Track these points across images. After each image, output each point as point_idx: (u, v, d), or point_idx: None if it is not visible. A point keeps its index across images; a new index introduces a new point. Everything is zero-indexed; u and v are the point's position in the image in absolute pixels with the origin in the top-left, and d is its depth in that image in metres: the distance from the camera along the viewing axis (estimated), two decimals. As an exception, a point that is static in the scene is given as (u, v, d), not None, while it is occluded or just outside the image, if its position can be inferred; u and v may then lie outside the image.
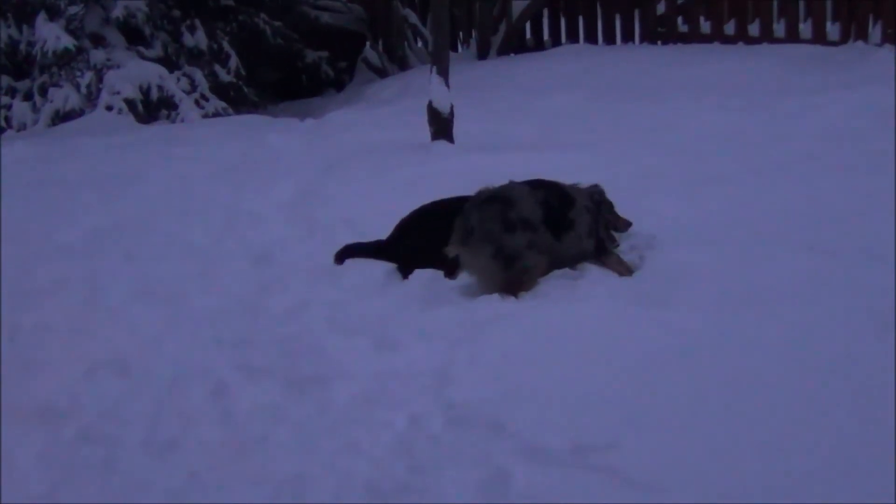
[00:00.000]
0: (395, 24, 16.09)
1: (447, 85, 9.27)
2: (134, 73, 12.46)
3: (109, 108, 12.12)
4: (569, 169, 6.81)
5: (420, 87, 10.83)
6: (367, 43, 16.37)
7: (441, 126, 9.20)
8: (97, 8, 12.96)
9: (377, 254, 6.37)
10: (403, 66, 15.92)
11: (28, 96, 12.91)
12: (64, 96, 12.46)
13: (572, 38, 15.27)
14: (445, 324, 5.43)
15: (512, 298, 5.66)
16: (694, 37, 14.01)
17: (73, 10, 12.86)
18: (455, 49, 15.82)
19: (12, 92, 13.01)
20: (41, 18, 12.49)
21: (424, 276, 6.06)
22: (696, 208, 6.78)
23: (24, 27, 12.95)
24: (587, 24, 15.14)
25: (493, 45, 15.44)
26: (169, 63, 13.11)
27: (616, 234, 6.31)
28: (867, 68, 10.95)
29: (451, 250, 5.85)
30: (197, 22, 13.51)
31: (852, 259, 5.71)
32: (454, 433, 4.47)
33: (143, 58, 12.89)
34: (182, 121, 12.37)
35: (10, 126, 12.61)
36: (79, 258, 6.77)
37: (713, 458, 4.07)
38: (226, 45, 13.77)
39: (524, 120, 10.25)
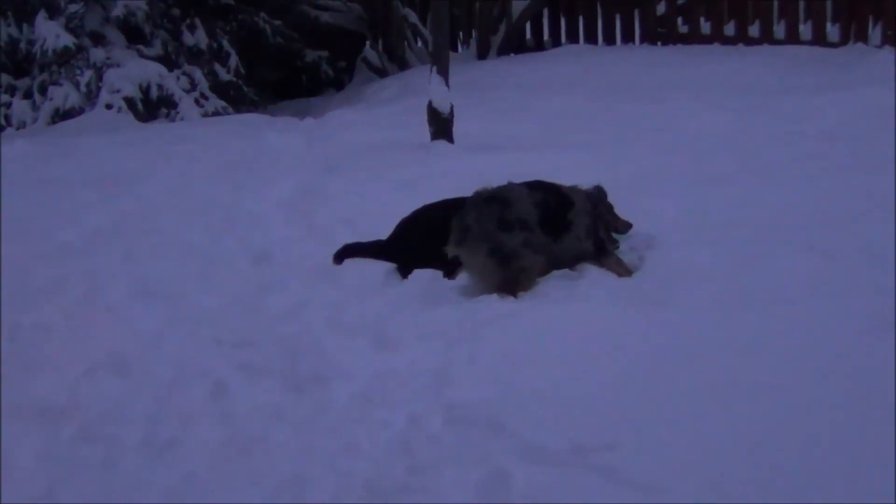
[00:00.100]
0: (394, 24, 16.09)
1: (447, 85, 9.27)
2: (134, 71, 12.47)
3: (109, 107, 12.12)
4: (569, 169, 6.82)
5: (420, 86, 10.82)
6: (367, 42, 16.37)
7: (441, 126, 9.20)
8: (97, 6, 12.95)
9: (377, 254, 6.36)
10: (403, 65, 15.92)
11: (28, 94, 12.91)
12: (64, 95, 12.46)
13: (572, 38, 15.26)
14: (445, 324, 5.44)
15: (511, 298, 5.67)
16: (694, 37, 14.00)
17: (73, 8, 12.87)
18: (455, 49, 15.81)
19: (12, 90, 13.01)
20: (41, 17, 12.49)
21: (424, 277, 6.06)
22: (696, 208, 6.78)
23: (24, 25, 12.96)
24: (587, 25, 15.13)
25: (493, 44, 15.44)
26: (169, 62, 13.11)
27: (616, 236, 6.30)
28: (867, 69, 10.96)
29: (449, 250, 5.86)
30: (197, 21, 13.52)
31: (852, 259, 5.71)
32: (453, 433, 4.48)
33: (143, 56, 12.89)
34: (182, 120, 12.37)
35: (9, 124, 12.62)
36: (78, 257, 6.76)
37: (712, 458, 4.08)
38: (225, 44, 13.77)
39: (524, 120, 10.25)
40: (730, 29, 13.72)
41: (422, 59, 15.47)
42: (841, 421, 4.20)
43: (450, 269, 6.02)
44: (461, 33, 16.30)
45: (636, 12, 14.70)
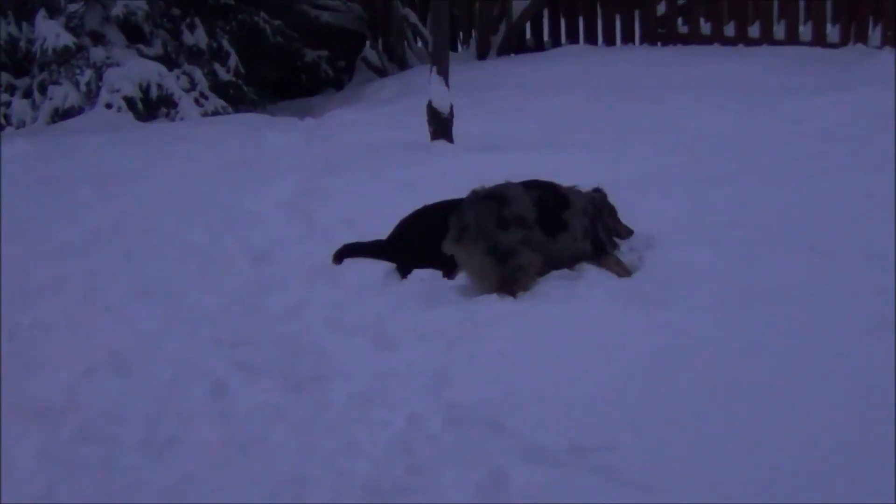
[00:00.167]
0: (394, 24, 16.10)
1: (447, 85, 9.27)
2: (133, 71, 12.47)
3: (109, 106, 12.13)
4: (568, 169, 6.82)
5: (419, 86, 10.82)
6: (367, 42, 16.37)
7: (440, 126, 9.20)
8: (97, 6, 12.96)
9: (376, 253, 6.36)
10: (403, 65, 15.92)
11: (27, 94, 12.91)
12: (63, 94, 12.47)
13: (572, 38, 15.27)
14: (444, 324, 5.43)
15: (510, 298, 5.66)
16: (694, 38, 14.01)
17: (72, 7, 12.88)
18: (455, 49, 15.82)
19: (12, 89, 13.02)
20: (41, 16, 12.49)
21: (423, 276, 6.06)
22: (696, 208, 6.78)
23: (24, 25, 12.96)
24: (587, 25, 15.14)
25: (493, 45, 15.44)
26: (168, 61, 13.11)
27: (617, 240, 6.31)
28: (867, 70, 10.96)
29: (446, 248, 5.85)
30: (197, 20, 13.52)
31: (852, 259, 5.71)
32: (453, 433, 4.47)
33: (143, 56, 12.90)
34: (181, 119, 12.38)
35: (9, 123, 12.62)
36: (78, 257, 6.76)
37: (711, 458, 4.07)
38: (225, 44, 13.78)
39: (524, 120, 10.25)
40: (730, 29, 13.73)
41: (422, 59, 15.48)
42: (841, 421, 4.19)
43: (449, 269, 6.02)
44: (461, 33, 16.31)
45: (636, 13, 14.71)
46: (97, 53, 12.70)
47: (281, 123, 11.27)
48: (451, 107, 9.23)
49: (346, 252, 6.44)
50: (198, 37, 13.47)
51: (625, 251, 6.22)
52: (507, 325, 5.30)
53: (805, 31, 13.17)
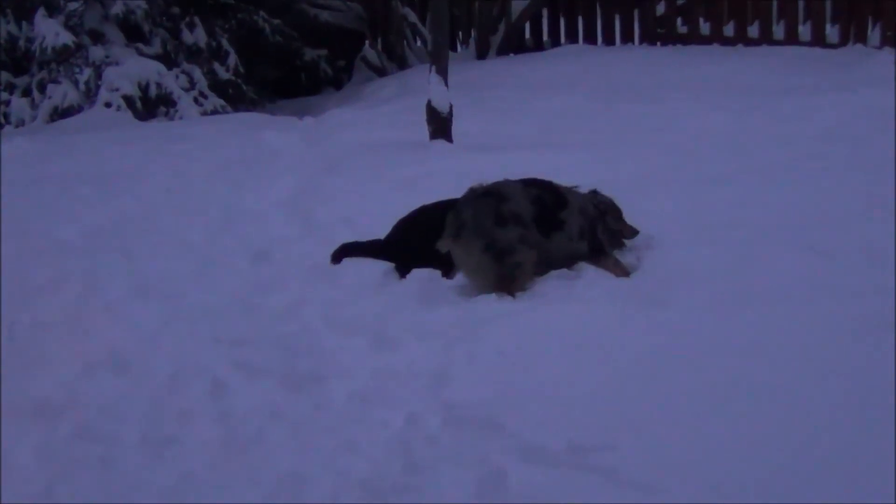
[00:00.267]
0: (394, 23, 16.09)
1: (446, 84, 9.27)
2: (133, 69, 12.47)
3: (108, 105, 12.12)
4: (568, 169, 6.82)
5: (419, 86, 10.82)
6: (366, 42, 16.36)
7: (440, 125, 9.20)
8: (96, 5, 12.95)
9: (375, 253, 6.36)
10: (402, 65, 15.91)
11: (27, 92, 12.90)
12: (62, 93, 12.46)
13: (571, 38, 15.26)
14: (443, 323, 5.43)
15: (509, 298, 5.66)
16: (693, 38, 14.00)
17: (72, 6, 12.87)
18: (454, 48, 15.80)
19: (11, 88, 13.01)
20: (40, 15, 12.49)
21: (422, 276, 6.05)
22: (696, 208, 6.77)
23: (24, 23, 12.95)
24: (586, 25, 15.13)
25: (493, 44, 15.43)
26: (168, 60, 13.11)
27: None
28: (866, 70, 10.96)
29: (443, 245, 5.84)
30: (196, 19, 13.52)
31: (852, 259, 5.70)
32: (451, 433, 4.47)
33: (142, 55, 12.90)
34: (180, 118, 12.37)
35: (8, 122, 12.61)
36: (77, 255, 6.76)
37: (710, 458, 4.07)
38: (225, 43, 13.77)
39: (523, 120, 10.24)
40: (729, 29, 13.72)
41: (421, 59, 15.47)
42: (841, 421, 4.19)
43: (448, 268, 6.02)
44: (460, 33, 16.30)
45: (635, 12, 14.69)
46: (96, 52, 12.70)
47: (280, 123, 11.27)
48: (451, 106, 9.23)
49: (345, 251, 6.44)
50: (197, 36, 13.47)
51: (623, 251, 6.22)
52: (506, 324, 5.30)
53: (804, 31, 13.16)
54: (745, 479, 3.93)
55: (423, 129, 9.24)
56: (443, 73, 9.26)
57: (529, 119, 10.25)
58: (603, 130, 9.43)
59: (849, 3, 12.75)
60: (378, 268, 6.25)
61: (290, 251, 6.75)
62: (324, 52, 15.90)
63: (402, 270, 6.17)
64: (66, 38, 12.29)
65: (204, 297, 6.12)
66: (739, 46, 13.39)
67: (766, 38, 13.38)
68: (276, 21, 14.62)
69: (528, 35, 15.64)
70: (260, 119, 11.75)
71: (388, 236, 6.41)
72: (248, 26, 14.34)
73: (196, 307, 5.99)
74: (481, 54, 15.40)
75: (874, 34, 12.55)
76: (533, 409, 4.52)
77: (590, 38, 15.06)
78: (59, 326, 5.75)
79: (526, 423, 4.41)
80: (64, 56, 12.55)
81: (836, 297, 5.24)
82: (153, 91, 12.50)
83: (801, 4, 13.24)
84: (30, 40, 12.71)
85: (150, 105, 12.53)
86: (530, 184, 6.06)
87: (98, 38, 12.90)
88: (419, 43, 16.29)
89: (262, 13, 14.43)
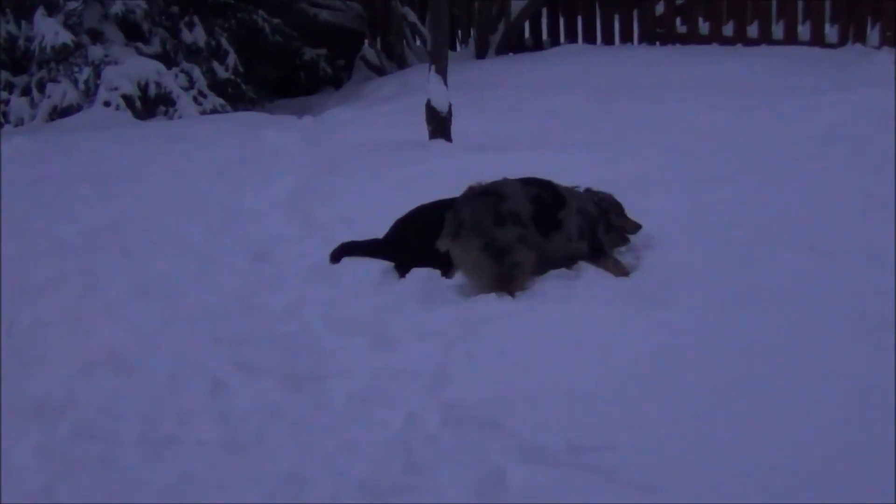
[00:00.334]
0: (393, 23, 16.08)
1: (445, 84, 9.27)
2: (132, 69, 12.46)
3: (107, 104, 12.11)
4: (567, 169, 6.82)
5: (418, 85, 10.82)
6: (366, 41, 16.36)
7: (439, 125, 9.20)
8: (96, 4, 12.95)
9: (374, 252, 6.35)
10: (402, 64, 15.91)
11: (26, 91, 12.89)
12: (62, 92, 12.45)
13: (571, 37, 15.26)
14: (442, 323, 5.43)
15: (509, 298, 5.66)
16: (692, 38, 14.00)
17: (71, 5, 12.86)
18: (454, 48, 15.80)
19: (10, 87, 13.00)
20: (39, 14, 12.47)
21: (421, 275, 6.05)
22: (695, 208, 6.77)
23: (23, 22, 12.93)
24: (586, 24, 15.13)
25: (492, 44, 15.43)
26: (167, 59, 13.10)
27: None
28: (866, 70, 10.96)
29: (442, 244, 5.84)
30: (195, 18, 13.51)
31: (852, 260, 5.71)
32: (451, 432, 4.47)
33: (142, 54, 12.89)
34: (180, 117, 12.36)
35: (7, 121, 12.60)
36: (77, 255, 6.76)
37: (709, 458, 4.07)
38: (224, 42, 13.76)
39: (522, 119, 10.24)
40: (728, 29, 13.72)
41: (420, 58, 15.46)
42: (841, 421, 4.19)
43: (447, 267, 6.02)
44: (460, 32, 16.30)
45: (635, 12, 14.69)
46: (96, 51, 12.69)
47: (279, 122, 11.26)
48: (450, 106, 9.23)
49: (344, 251, 6.44)
50: (196, 35, 13.46)
51: (622, 251, 6.22)
52: (505, 324, 5.30)
53: (804, 30, 13.17)
54: (745, 479, 3.93)
55: (423, 129, 9.24)
56: (442, 72, 9.27)
57: (529, 119, 10.25)
58: (602, 130, 9.43)
59: (848, 3, 12.75)
60: (377, 267, 6.25)
61: (290, 250, 6.75)
62: (323, 51, 15.90)
63: (402, 270, 6.17)
64: (66, 37, 12.28)
65: (204, 297, 6.12)
66: (739, 46, 13.39)
67: (765, 38, 13.38)
68: (276, 20, 14.61)
69: (527, 35, 15.64)
70: (259, 118, 11.74)
71: (387, 236, 6.41)
72: (248, 25, 14.34)
73: (196, 307, 5.99)
74: (481, 54, 15.40)
75: (873, 34, 12.55)
76: (532, 409, 4.52)
77: (589, 38, 15.06)
78: (58, 326, 5.75)
79: (526, 423, 4.41)
80: (63, 55, 12.54)
81: (836, 297, 5.25)
82: (152, 90, 12.49)
83: (800, 4, 13.25)
84: (29, 39, 12.69)
85: (150, 104, 12.52)
86: (529, 183, 6.06)
87: (97, 37, 12.90)
88: (418, 42, 16.28)
89: (261, 12, 14.43)
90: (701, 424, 4.29)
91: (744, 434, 4.19)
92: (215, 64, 13.59)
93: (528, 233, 5.82)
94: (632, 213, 6.33)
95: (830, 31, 12.96)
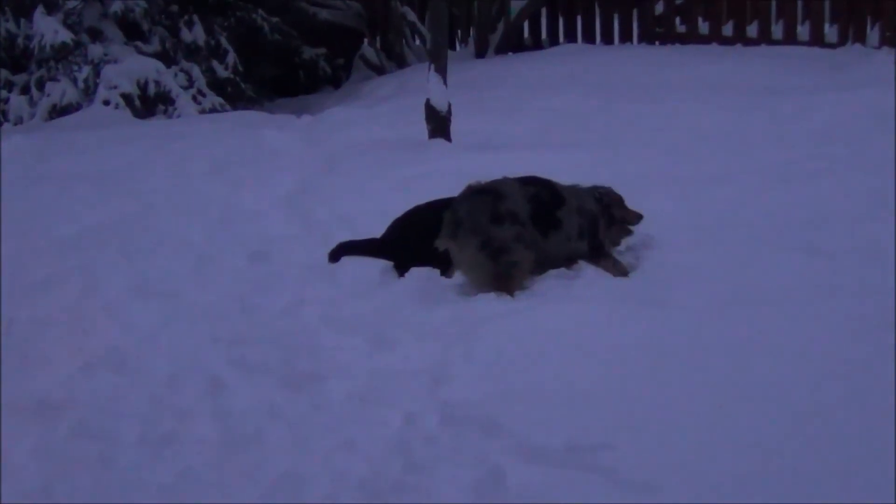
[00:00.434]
0: (393, 22, 16.07)
1: (445, 83, 9.25)
2: (131, 67, 12.44)
3: (106, 103, 12.09)
4: (566, 168, 6.80)
5: (418, 85, 10.80)
6: (365, 40, 16.34)
7: (438, 124, 9.18)
8: (95, 3, 12.93)
9: (373, 251, 6.35)
10: (401, 63, 15.89)
11: (25, 90, 12.87)
12: (61, 90, 12.43)
13: (570, 37, 15.25)
14: (441, 322, 5.43)
15: (508, 297, 5.65)
16: (692, 37, 13.98)
17: (71, 4, 12.85)
18: (453, 47, 15.78)
19: (9, 86, 12.98)
20: (39, 12, 12.45)
21: (420, 275, 6.05)
22: (695, 208, 6.77)
23: (22, 21, 12.92)
24: (585, 24, 15.11)
25: (492, 43, 15.42)
26: (166, 58, 13.08)
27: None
28: (865, 70, 10.94)
29: (441, 244, 5.84)
30: (195, 17, 13.50)
31: (852, 259, 5.71)
32: (449, 432, 4.47)
33: (141, 53, 12.87)
34: (179, 116, 12.34)
35: (6, 120, 12.58)
36: (76, 253, 6.76)
37: (708, 458, 4.07)
38: (223, 41, 13.75)
39: (522, 119, 10.23)
40: (728, 29, 13.70)
41: (420, 58, 15.44)
42: (841, 421, 4.19)
43: (446, 267, 6.01)
44: (459, 32, 16.28)
45: (634, 12, 14.68)
46: (95, 50, 12.67)
47: (279, 121, 11.24)
48: (449, 105, 9.22)
49: (343, 250, 6.43)
50: (196, 34, 13.45)
51: (622, 250, 6.22)
52: (504, 324, 5.30)
53: (803, 30, 13.15)
54: (744, 478, 3.94)
55: (422, 128, 9.23)
56: (442, 71, 9.25)
57: (528, 118, 10.23)
58: (602, 130, 9.43)
59: (848, 3, 12.74)
60: (376, 267, 6.24)
61: (289, 250, 6.74)
62: (322, 50, 15.88)
63: (401, 269, 6.17)
64: (65, 35, 12.26)
65: (203, 296, 6.11)
66: (738, 46, 13.36)
67: (764, 38, 13.37)
68: (275, 19, 14.59)
69: (526, 34, 15.63)
70: (258, 117, 11.72)
71: (385, 235, 6.41)
72: (247, 24, 14.32)
73: (194, 305, 5.98)
74: (480, 53, 15.38)
75: (873, 34, 12.54)
76: (531, 409, 4.52)
77: (588, 38, 15.04)
78: (58, 325, 5.75)
79: (524, 423, 4.41)
80: (63, 54, 12.52)
81: (836, 297, 5.25)
82: (152, 89, 12.47)
83: (799, 4, 13.23)
84: (28, 38, 12.67)
85: (149, 103, 12.51)
86: (528, 182, 6.06)
87: (97, 35, 12.88)
88: (418, 42, 16.26)
89: (260, 11, 14.41)
90: (700, 424, 4.29)
91: (743, 434, 4.19)
92: (215, 63, 13.57)
93: (526, 232, 5.82)
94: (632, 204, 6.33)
95: (830, 31, 12.94)
